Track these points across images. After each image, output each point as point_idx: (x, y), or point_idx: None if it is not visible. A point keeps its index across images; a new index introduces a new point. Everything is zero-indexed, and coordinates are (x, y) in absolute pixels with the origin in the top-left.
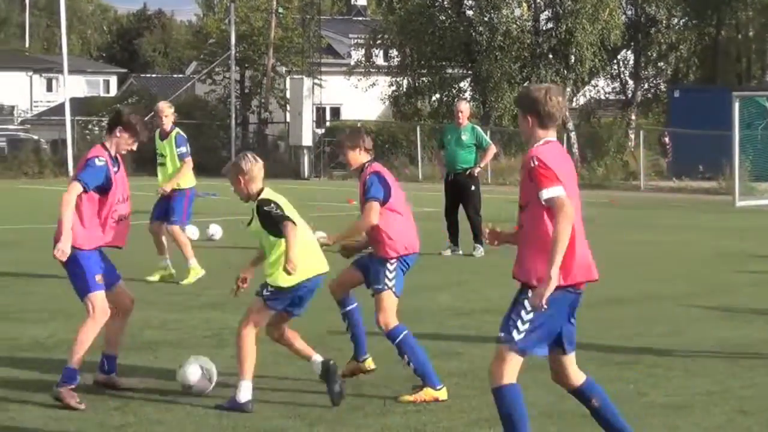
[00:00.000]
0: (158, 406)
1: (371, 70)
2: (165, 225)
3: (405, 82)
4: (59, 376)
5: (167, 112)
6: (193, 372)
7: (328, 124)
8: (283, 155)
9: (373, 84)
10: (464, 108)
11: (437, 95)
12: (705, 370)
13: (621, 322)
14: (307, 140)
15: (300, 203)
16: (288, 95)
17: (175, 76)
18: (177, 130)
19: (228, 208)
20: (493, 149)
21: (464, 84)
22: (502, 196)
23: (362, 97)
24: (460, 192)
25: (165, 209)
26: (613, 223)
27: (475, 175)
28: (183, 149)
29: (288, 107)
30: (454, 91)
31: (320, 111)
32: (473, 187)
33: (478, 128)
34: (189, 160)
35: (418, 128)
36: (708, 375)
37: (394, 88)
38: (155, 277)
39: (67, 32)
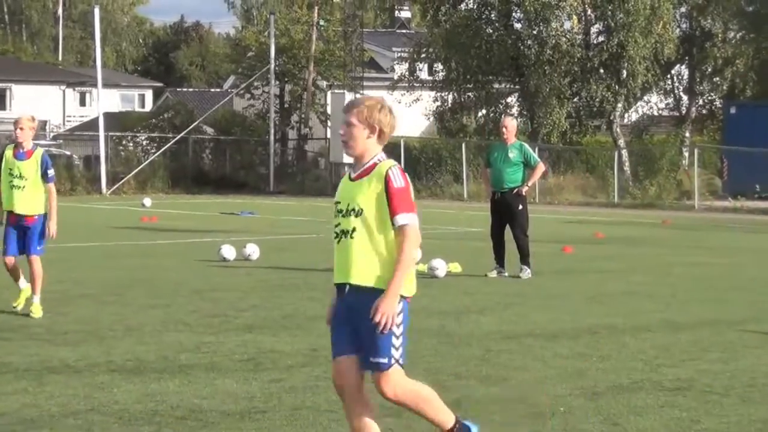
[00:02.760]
0: (192, 430)
1: (415, 84)
2: (28, 256)
3: (450, 97)
4: (88, 400)
5: (28, 125)
6: None
7: None
8: (323, 172)
9: (417, 99)
10: (509, 124)
11: (483, 111)
12: (761, 397)
13: (673, 346)
14: (347, 157)
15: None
16: (329, 110)
17: (212, 90)
18: (41, 149)
19: (266, 228)
20: (541, 167)
21: (511, 99)
22: (551, 216)
23: (406, 113)
24: (506, 212)
25: (23, 239)
26: (665, 244)
27: (523, 194)
28: (52, 171)
29: (329, 123)
30: (501, 107)
31: None
32: (520, 207)
33: (526, 146)
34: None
35: (463, 145)
36: (764, 402)
37: (438, 103)
38: (20, 304)
39: (101, 45)
